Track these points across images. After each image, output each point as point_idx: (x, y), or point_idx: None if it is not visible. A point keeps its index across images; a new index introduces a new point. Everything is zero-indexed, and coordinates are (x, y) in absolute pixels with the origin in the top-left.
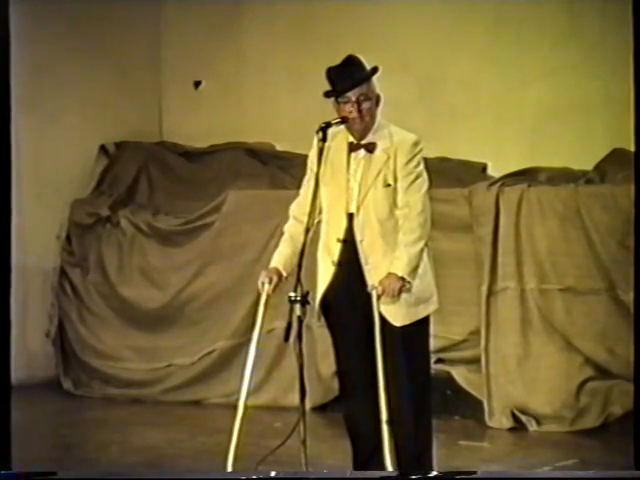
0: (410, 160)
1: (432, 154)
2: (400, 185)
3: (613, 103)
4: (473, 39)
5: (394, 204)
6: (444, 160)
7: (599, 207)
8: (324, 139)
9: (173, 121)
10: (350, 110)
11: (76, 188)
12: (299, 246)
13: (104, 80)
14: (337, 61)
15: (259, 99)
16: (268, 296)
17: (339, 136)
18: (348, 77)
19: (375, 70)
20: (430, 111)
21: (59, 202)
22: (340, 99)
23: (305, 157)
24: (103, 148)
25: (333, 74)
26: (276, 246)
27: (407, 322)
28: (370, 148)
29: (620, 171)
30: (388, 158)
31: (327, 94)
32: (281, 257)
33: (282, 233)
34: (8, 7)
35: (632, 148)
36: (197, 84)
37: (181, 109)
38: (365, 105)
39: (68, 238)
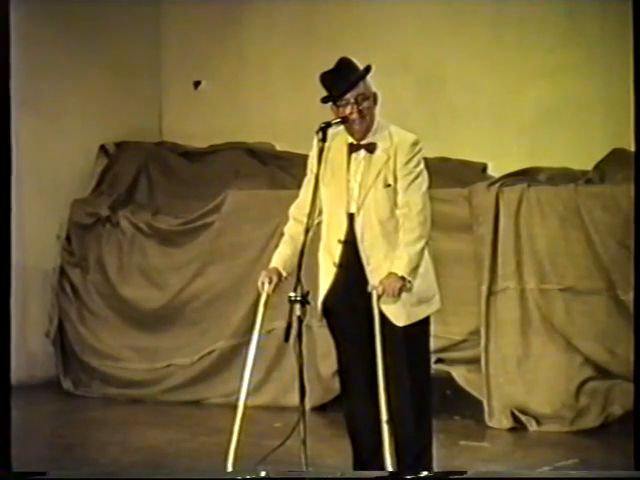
0: (410, 160)
1: (432, 154)
2: (400, 185)
3: (613, 103)
4: (473, 39)
5: (394, 204)
6: (444, 160)
7: (599, 207)
8: (324, 139)
9: (173, 121)
10: (350, 111)
11: (76, 188)
12: (299, 246)
13: (104, 80)
14: (337, 61)
15: (259, 99)
16: (268, 296)
17: (338, 137)
18: (343, 80)
19: (368, 69)
20: (430, 111)
21: (59, 202)
22: (338, 102)
23: (305, 157)
24: (103, 148)
25: (327, 79)
26: (276, 246)
27: (410, 322)
28: (370, 148)
29: (620, 171)
30: (388, 158)
31: (324, 100)
32: (281, 257)
33: (282, 233)
34: (8, 7)
35: (632, 148)
36: (197, 84)
37: (181, 109)
38: (365, 104)
39: (68, 238)
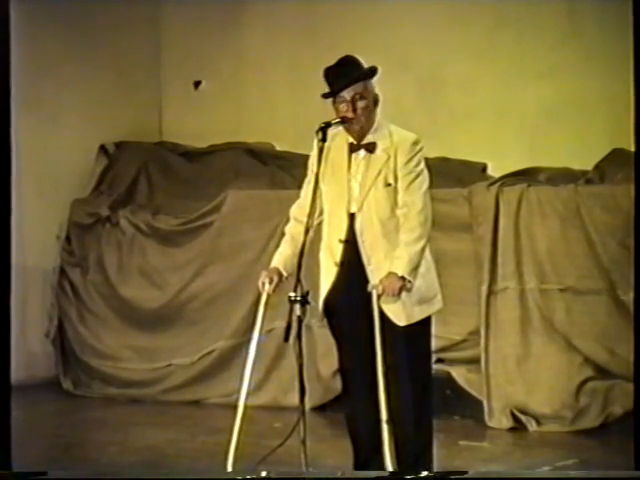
0: (410, 159)
1: (432, 154)
2: (400, 184)
3: (613, 103)
4: (473, 39)
5: (395, 204)
6: (444, 160)
7: (599, 207)
8: (324, 139)
9: (173, 121)
10: (345, 109)
11: (76, 188)
12: (299, 246)
13: (104, 80)
14: (341, 57)
15: (259, 99)
16: (268, 296)
17: (339, 137)
18: (343, 76)
19: (373, 70)
20: (430, 111)
21: (59, 202)
22: (337, 99)
23: (305, 157)
24: (103, 148)
25: (330, 74)
26: (276, 246)
27: (411, 321)
28: (370, 148)
29: (620, 171)
30: (388, 158)
31: (324, 95)
32: (282, 257)
33: (282, 233)
34: (8, 7)
35: (632, 148)
36: (197, 84)
37: (181, 109)
38: (360, 104)
39: (68, 238)
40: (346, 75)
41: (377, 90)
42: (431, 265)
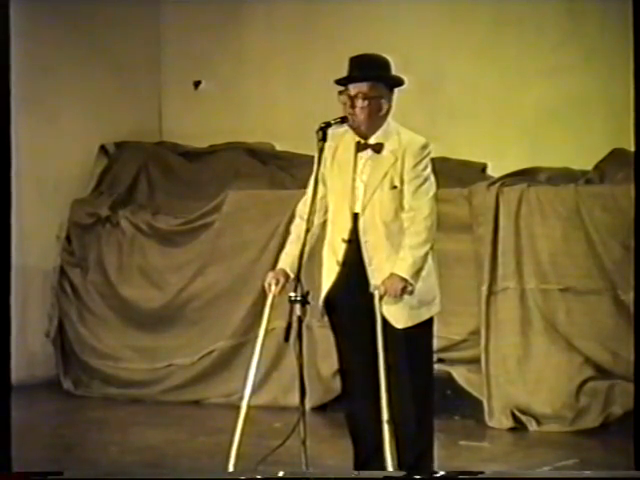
0: (418, 163)
1: (432, 154)
2: (407, 188)
3: (613, 103)
4: (473, 39)
5: (400, 206)
6: (444, 160)
7: (599, 207)
8: (324, 139)
9: (173, 121)
10: (344, 102)
11: (76, 188)
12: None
13: (104, 80)
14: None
15: (259, 99)
16: (274, 297)
17: (348, 135)
18: (356, 71)
19: (390, 78)
20: (430, 111)
21: (59, 202)
22: (343, 91)
23: (304, 157)
24: (103, 148)
25: (350, 64)
26: (276, 246)
27: (409, 324)
28: (377, 148)
29: (620, 171)
30: (396, 160)
31: (337, 81)
32: (289, 258)
33: (282, 233)
34: (8, 7)
35: (632, 148)
36: (197, 84)
37: (181, 109)
38: (359, 103)
39: (68, 238)
40: (359, 71)
41: (391, 101)
42: (432, 270)
